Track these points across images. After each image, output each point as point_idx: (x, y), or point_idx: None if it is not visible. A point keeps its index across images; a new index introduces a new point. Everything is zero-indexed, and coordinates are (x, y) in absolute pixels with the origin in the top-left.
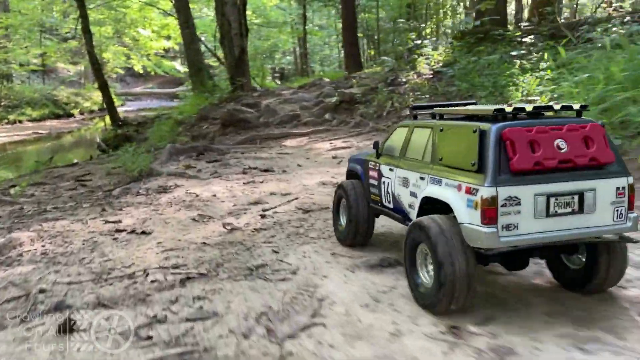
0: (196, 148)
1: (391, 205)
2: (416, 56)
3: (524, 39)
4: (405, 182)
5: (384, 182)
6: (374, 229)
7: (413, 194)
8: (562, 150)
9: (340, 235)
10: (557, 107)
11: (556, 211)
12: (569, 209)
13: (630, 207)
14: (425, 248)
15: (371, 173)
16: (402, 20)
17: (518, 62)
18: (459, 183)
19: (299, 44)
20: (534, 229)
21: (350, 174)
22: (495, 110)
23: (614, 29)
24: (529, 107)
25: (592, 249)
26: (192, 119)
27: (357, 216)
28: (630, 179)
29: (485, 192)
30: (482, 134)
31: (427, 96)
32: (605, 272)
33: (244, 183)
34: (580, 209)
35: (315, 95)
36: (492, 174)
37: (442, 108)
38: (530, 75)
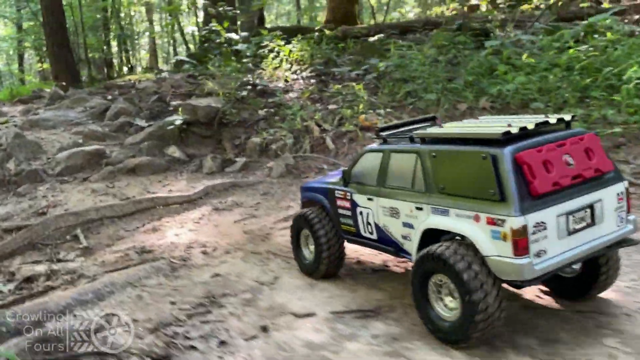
0: None
1: (374, 237)
2: (264, 52)
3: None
4: (393, 213)
5: (361, 213)
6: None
7: (408, 225)
8: (571, 166)
9: (308, 268)
10: (552, 120)
11: (574, 228)
12: (584, 224)
13: (628, 210)
14: (440, 280)
15: (340, 203)
16: None
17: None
18: (475, 214)
19: None
20: (559, 250)
21: (308, 204)
22: (504, 133)
23: None
24: (530, 125)
25: (593, 257)
26: None
27: (330, 247)
28: (626, 183)
29: (515, 222)
30: (494, 160)
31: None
32: (605, 279)
33: None
34: (593, 221)
35: (85, 113)
36: (517, 203)
37: (424, 131)
38: None
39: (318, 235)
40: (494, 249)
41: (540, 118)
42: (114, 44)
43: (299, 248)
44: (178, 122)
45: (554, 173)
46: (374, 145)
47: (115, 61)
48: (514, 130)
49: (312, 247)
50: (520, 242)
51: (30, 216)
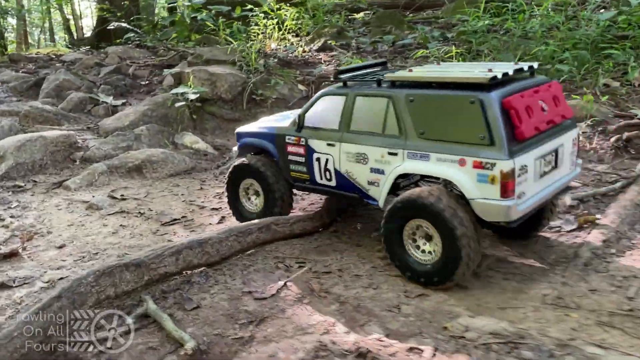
0: None
1: (332, 183)
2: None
3: None
4: (360, 158)
5: (317, 159)
6: None
7: (377, 170)
8: (545, 112)
9: (254, 218)
10: (525, 67)
11: (544, 171)
12: (550, 167)
13: (577, 154)
14: (419, 225)
15: (291, 149)
16: None
17: None
18: (461, 158)
19: None
20: (534, 192)
21: (246, 150)
22: (491, 78)
23: None
24: (510, 71)
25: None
26: None
27: (282, 195)
28: (579, 129)
29: (505, 165)
30: (482, 104)
31: None
32: (547, 219)
33: None
34: (556, 165)
35: (1, 88)
36: (506, 147)
37: (395, 74)
38: None
39: (269, 184)
40: (479, 192)
41: (511, 65)
42: None
43: (237, 200)
44: (192, 97)
45: (534, 118)
46: (332, 88)
47: None
48: (499, 75)
49: (256, 199)
50: (509, 185)
51: None
